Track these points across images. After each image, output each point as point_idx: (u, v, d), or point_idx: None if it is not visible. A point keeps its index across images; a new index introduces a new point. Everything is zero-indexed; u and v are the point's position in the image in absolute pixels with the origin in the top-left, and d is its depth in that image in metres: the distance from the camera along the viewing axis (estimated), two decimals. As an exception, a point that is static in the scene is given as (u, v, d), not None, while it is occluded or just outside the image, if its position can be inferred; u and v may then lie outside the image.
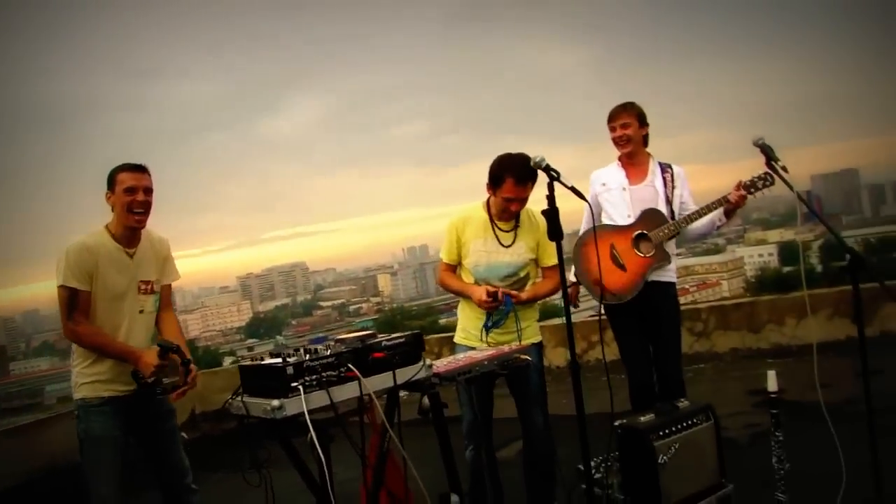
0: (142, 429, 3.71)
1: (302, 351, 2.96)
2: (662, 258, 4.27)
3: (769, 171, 3.93)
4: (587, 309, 5.29)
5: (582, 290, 4.46)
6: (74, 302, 3.48)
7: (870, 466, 3.30)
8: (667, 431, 3.44)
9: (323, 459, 2.80)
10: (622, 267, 4.24)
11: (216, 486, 4.14)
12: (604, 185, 4.46)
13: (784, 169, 3.78)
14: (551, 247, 3.84)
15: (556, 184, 3.16)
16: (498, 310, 3.93)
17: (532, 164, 3.26)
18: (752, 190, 4.11)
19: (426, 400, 3.22)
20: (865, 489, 3.30)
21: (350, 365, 2.92)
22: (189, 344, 3.84)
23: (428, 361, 3.22)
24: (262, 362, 2.91)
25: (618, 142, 4.37)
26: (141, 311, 3.68)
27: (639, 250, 4.25)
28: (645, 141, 4.44)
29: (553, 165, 3.18)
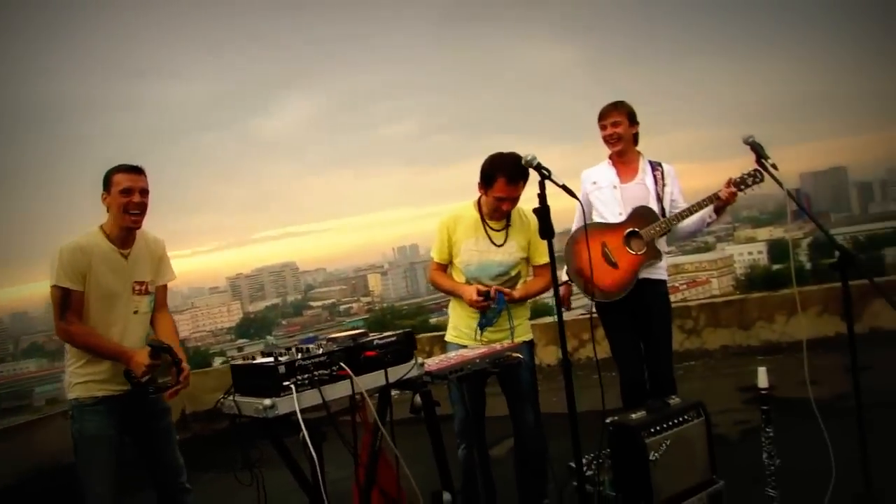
0: (136, 428, 3.71)
1: (294, 350, 2.96)
2: (654, 255, 4.28)
3: (758, 168, 3.96)
4: (578, 307, 5.31)
5: (574, 288, 4.48)
6: (67, 302, 3.48)
7: (859, 462, 3.31)
8: (658, 428, 3.44)
9: (315, 458, 2.79)
10: (614, 265, 4.25)
11: (208, 486, 4.14)
12: (594, 183, 4.47)
13: (774, 166, 3.80)
14: (543, 245, 3.85)
15: (547, 182, 3.17)
16: (490, 308, 3.94)
17: (523, 162, 3.26)
18: (742, 187, 4.13)
19: (418, 398, 3.23)
20: (855, 484, 3.32)
21: (342, 364, 2.92)
22: (180, 344, 3.83)
23: (420, 360, 3.22)
24: (254, 361, 2.91)
25: (608, 140, 4.39)
26: (136, 312, 3.67)
27: (630, 248, 4.26)
28: (635, 139, 4.45)
29: (544, 164, 3.19)
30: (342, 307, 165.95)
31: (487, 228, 4.05)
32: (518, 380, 3.97)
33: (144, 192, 3.60)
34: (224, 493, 5.19)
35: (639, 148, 4.49)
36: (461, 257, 4.06)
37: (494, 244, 4.04)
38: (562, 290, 3.91)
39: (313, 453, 2.78)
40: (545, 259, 3.99)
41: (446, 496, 3.27)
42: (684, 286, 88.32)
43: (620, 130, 4.34)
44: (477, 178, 3.97)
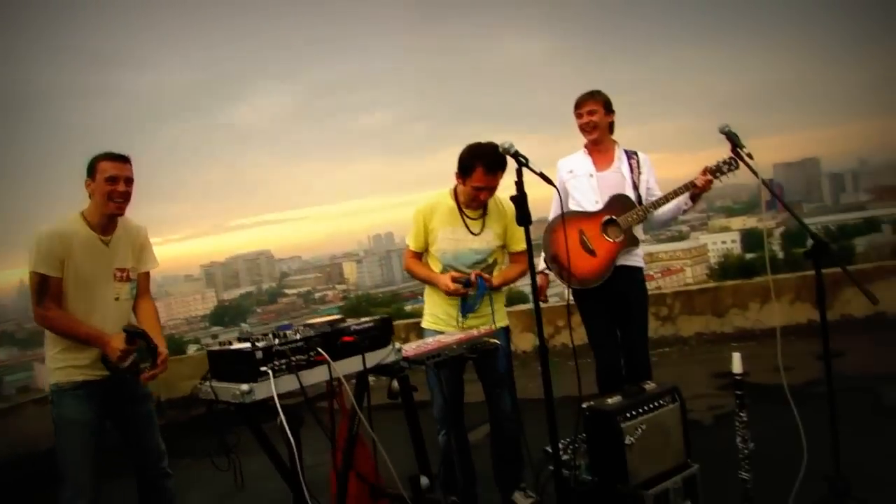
0: (117, 413, 3.71)
1: (271, 335, 2.95)
2: (631, 243, 4.31)
3: (733, 156, 3.99)
4: (552, 295, 5.33)
5: (551, 276, 4.50)
6: (45, 288, 3.47)
7: (830, 446, 3.37)
8: (633, 413, 3.47)
9: (293, 443, 2.79)
10: (592, 252, 4.27)
11: (183, 473, 4.12)
12: (570, 172, 4.49)
13: (749, 156, 3.83)
14: (519, 232, 3.87)
15: (524, 170, 3.17)
16: (470, 295, 3.95)
17: (500, 149, 3.25)
18: (718, 174, 4.16)
19: (395, 383, 3.23)
20: (825, 467, 3.37)
21: (319, 349, 2.91)
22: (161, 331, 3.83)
23: (397, 345, 3.23)
24: (231, 347, 2.89)
25: (584, 128, 4.40)
26: (116, 299, 3.66)
27: (607, 235, 4.28)
28: (611, 128, 4.47)
29: (521, 152, 3.19)
30: (317, 295, 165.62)
31: (464, 217, 4.05)
32: (495, 366, 3.99)
33: (129, 182, 3.59)
34: (200, 480, 5.20)
35: (614, 137, 4.51)
36: (437, 245, 4.07)
37: (471, 232, 4.05)
38: (538, 280, 3.93)
39: (291, 438, 2.78)
40: (522, 246, 4.01)
41: (424, 481, 3.28)
42: (659, 274, 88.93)
43: (596, 119, 4.36)
44: (453, 166, 3.97)
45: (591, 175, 4.41)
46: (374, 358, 3.10)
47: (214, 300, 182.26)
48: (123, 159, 3.58)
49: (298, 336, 2.91)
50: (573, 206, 4.44)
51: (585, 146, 4.49)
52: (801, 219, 3.87)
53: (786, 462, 3.60)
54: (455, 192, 4.08)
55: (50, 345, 3.60)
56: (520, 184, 3.16)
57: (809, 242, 3.46)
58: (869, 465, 3.86)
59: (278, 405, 2.71)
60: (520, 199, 3.16)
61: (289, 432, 2.76)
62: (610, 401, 3.55)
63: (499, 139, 3.25)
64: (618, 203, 4.32)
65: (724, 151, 4.05)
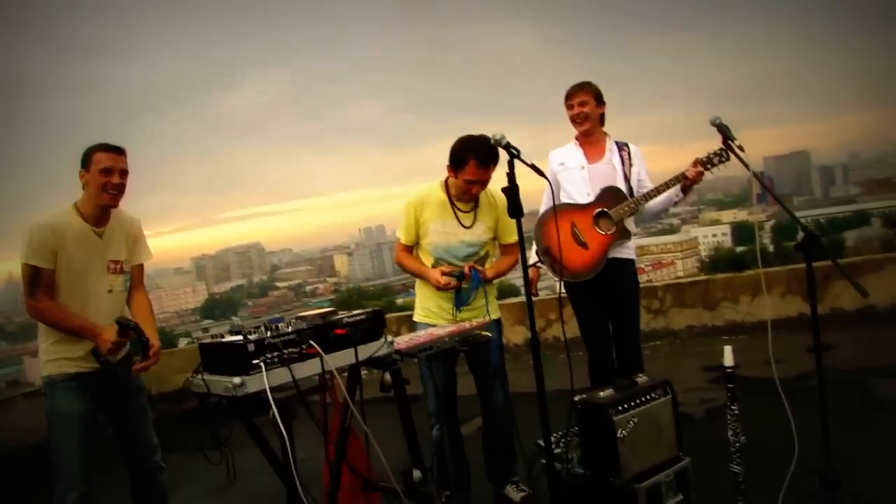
0: (110, 406, 3.71)
1: (263, 328, 2.95)
2: (623, 235, 4.31)
3: (724, 147, 3.99)
4: (543, 288, 5.34)
5: (542, 269, 4.50)
6: (37, 279, 3.46)
7: (821, 439, 3.38)
8: (626, 406, 3.47)
9: (285, 436, 2.79)
10: (584, 245, 4.27)
11: (175, 467, 4.11)
12: (562, 164, 4.48)
13: (741, 148, 3.82)
14: (511, 224, 3.87)
15: (515, 162, 3.16)
16: (463, 288, 3.95)
17: (492, 141, 3.24)
18: (709, 166, 4.16)
19: (388, 376, 3.23)
20: (816, 460, 3.38)
21: (311, 341, 2.91)
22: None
23: (389, 338, 3.22)
24: (224, 340, 2.89)
25: (575, 119, 4.40)
26: (110, 291, 3.65)
27: (599, 228, 4.28)
28: (601, 120, 4.47)
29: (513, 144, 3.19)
30: (308, 288, 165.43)
31: (455, 210, 4.04)
32: (487, 359, 3.99)
33: (124, 173, 3.58)
34: (192, 474, 5.19)
35: (605, 129, 4.51)
36: (429, 239, 4.05)
37: (462, 225, 4.04)
38: (530, 273, 3.93)
39: (283, 431, 2.78)
40: (514, 238, 4.00)
41: (416, 474, 3.28)
42: (649, 267, 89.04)
43: (587, 110, 4.35)
44: (444, 158, 3.96)
45: (583, 167, 4.41)
46: (366, 351, 3.10)
47: (205, 293, 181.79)
48: (119, 151, 3.57)
49: (290, 329, 2.91)
50: (564, 199, 4.43)
51: (576, 138, 4.49)
52: (792, 211, 3.88)
53: (777, 455, 3.61)
54: (446, 185, 4.07)
55: (43, 337, 3.59)
56: (511, 175, 3.15)
57: (800, 235, 3.46)
58: (859, 458, 3.87)
59: (271, 398, 2.70)
60: (512, 191, 3.16)
61: (281, 425, 2.76)
62: (602, 394, 3.55)
63: (490, 131, 3.25)
64: (609, 195, 4.32)
65: (715, 144, 4.05)
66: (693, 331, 8.13)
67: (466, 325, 3.72)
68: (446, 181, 4.06)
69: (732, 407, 3.50)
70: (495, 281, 4.21)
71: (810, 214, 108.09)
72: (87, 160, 3.53)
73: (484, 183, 3.92)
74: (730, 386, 3.50)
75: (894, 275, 7.52)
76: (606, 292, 4.34)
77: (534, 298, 3.64)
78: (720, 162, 4.12)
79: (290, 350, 2.84)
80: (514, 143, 3.16)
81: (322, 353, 2.89)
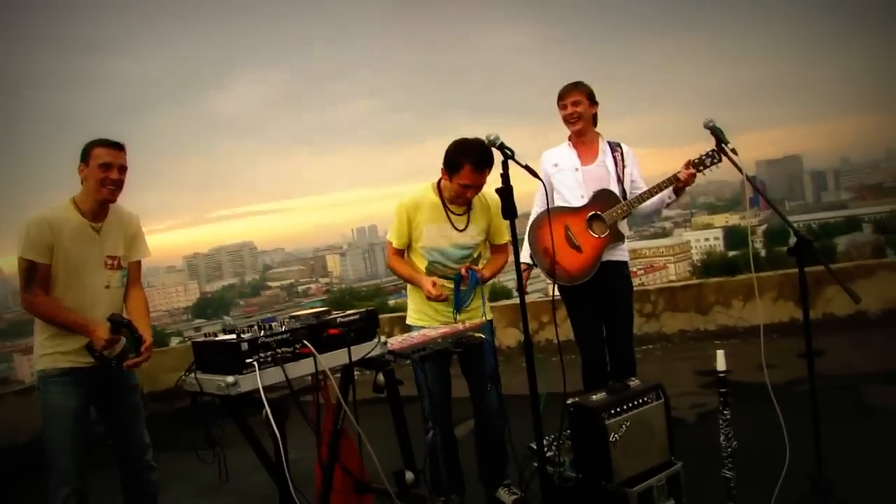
0: (103, 402, 3.72)
1: (256, 327, 2.94)
2: (617, 238, 4.32)
3: (716, 149, 4.00)
4: (535, 291, 5.33)
5: (534, 272, 4.50)
6: (33, 274, 3.47)
7: (812, 444, 3.38)
8: (618, 410, 3.47)
9: (278, 436, 2.78)
10: (577, 248, 4.27)
11: (165, 466, 4.10)
12: (556, 165, 4.48)
13: (734, 151, 3.83)
14: (503, 225, 3.90)
15: (509, 164, 3.16)
16: (462, 290, 3.95)
17: (486, 141, 3.23)
18: (701, 167, 4.16)
19: (381, 377, 3.23)
20: (808, 466, 3.38)
21: (305, 341, 2.91)
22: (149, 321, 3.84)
23: (382, 339, 3.22)
24: (217, 338, 2.88)
25: (568, 119, 4.39)
26: (107, 287, 3.65)
27: (593, 231, 4.29)
28: (594, 120, 4.47)
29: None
30: (300, 288, 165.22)
31: (448, 213, 4.03)
32: (481, 361, 3.98)
33: (123, 169, 3.59)
34: (184, 473, 5.17)
35: (598, 130, 4.51)
36: (423, 242, 4.03)
37: (456, 228, 4.03)
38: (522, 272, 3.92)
39: (276, 431, 2.77)
40: (505, 239, 4.03)
41: (409, 475, 3.28)
42: (642, 271, 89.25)
43: (581, 110, 4.35)
44: (439, 158, 3.94)
45: (577, 169, 4.40)
46: (359, 351, 3.10)
47: (197, 292, 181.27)
48: (118, 146, 3.59)
49: (284, 328, 2.91)
50: (558, 201, 4.43)
51: (569, 138, 4.48)
52: (785, 215, 3.89)
53: (768, 460, 3.62)
54: (439, 187, 4.04)
55: (38, 332, 3.60)
56: (505, 176, 3.14)
57: (792, 240, 3.46)
58: (851, 464, 3.88)
59: (264, 398, 2.70)
60: (506, 192, 3.15)
61: (274, 425, 2.75)
62: (594, 397, 3.56)
63: (488, 131, 3.25)
64: (602, 198, 4.32)
65: (707, 146, 4.07)
66: (685, 335, 8.13)
67: (460, 326, 3.71)
68: (438, 183, 4.04)
69: (724, 412, 3.51)
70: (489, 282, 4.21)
71: (802, 219, 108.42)
72: (86, 155, 3.55)
73: (478, 187, 3.90)
74: (722, 390, 3.51)
75: (886, 281, 7.54)
76: (601, 294, 4.35)
77: (526, 300, 3.64)
78: (712, 163, 4.13)
79: (283, 349, 2.84)
80: (512, 144, 3.15)
81: (316, 352, 2.89)
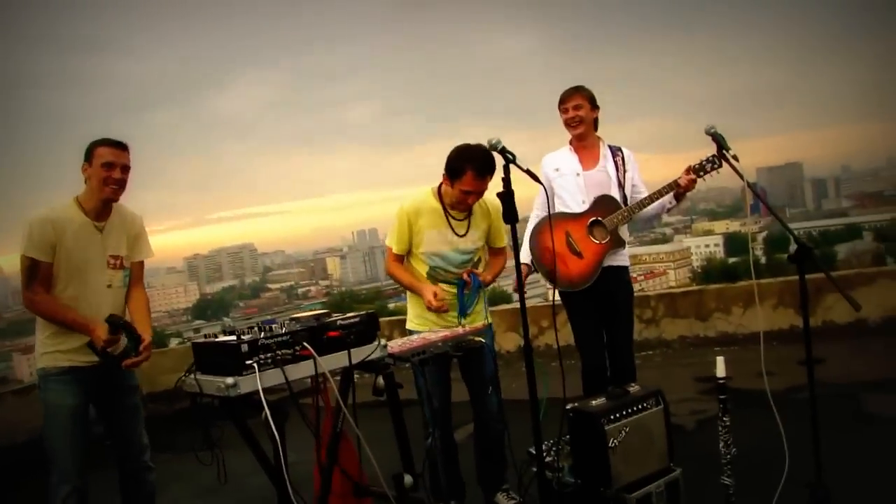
0: (103, 402, 3.73)
1: (257, 328, 2.94)
2: (617, 244, 4.32)
3: (716, 154, 4.00)
4: (535, 296, 5.34)
5: (532, 275, 4.50)
6: (34, 272, 3.49)
7: (811, 452, 3.38)
8: (617, 415, 3.47)
9: (277, 438, 2.78)
10: (579, 254, 4.27)
11: (163, 467, 4.10)
12: (557, 170, 4.47)
13: (735, 158, 3.83)
14: (502, 228, 3.92)
15: (510, 167, 3.15)
16: (466, 294, 3.95)
17: (488, 145, 3.23)
18: (701, 173, 4.17)
19: (381, 380, 3.22)
20: (807, 474, 3.37)
21: (305, 343, 2.90)
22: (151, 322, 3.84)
23: (382, 342, 3.22)
24: (217, 339, 2.88)
25: (570, 123, 4.38)
26: (109, 286, 3.66)
27: (594, 237, 4.29)
28: (595, 124, 4.46)
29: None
30: (300, 290, 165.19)
31: (449, 218, 4.01)
32: (482, 365, 3.97)
33: (126, 169, 3.62)
34: (181, 474, 5.17)
35: (598, 134, 4.51)
36: (424, 248, 4.01)
37: (457, 234, 4.02)
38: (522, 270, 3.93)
39: (275, 433, 2.77)
40: (505, 242, 4.04)
41: (408, 479, 3.27)
42: (642, 277, 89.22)
43: (582, 113, 4.35)
44: (439, 162, 3.92)
45: (578, 174, 4.40)
46: (359, 354, 3.09)
47: (197, 293, 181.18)
48: (121, 146, 3.61)
49: (284, 330, 2.91)
50: (559, 205, 4.43)
51: (571, 142, 4.48)
52: (786, 223, 3.89)
53: (767, 468, 3.62)
54: (439, 193, 4.02)
55: (39, 330, 3.62)
56: (507, 181, 3.14)
57: (793, 247, 3.46)
58: (850, 472, 3.88)
59: (263, 399, 2.69)
60: (507, 197, 3.15)
61: (273, 427, 2.75)
62: (594, 402, 3.56)
63: (489, 134, 3.24)
64: (603, 204, 4.32)
65: (709, 152, 4.08)
66: (685, 341, 8.12)
67: (460, 330, 3.71)
68: (439, 188, 4.01)
69: (724, 418, 3.51)
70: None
71: (802, 227, 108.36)
72: (89, 154, 3.57)
73: (480, 193, 3.87)
74: (721, 397, 3.51)
75: (886, 289, 7.54)
76: (602, 299, 4.35)
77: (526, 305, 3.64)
78: (712, 169, 4.14)
79: (283, 351, 2.83)
80: (513, 147, 3.14)
81: (316, 355, 2.89)
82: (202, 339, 2.96)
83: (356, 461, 3.35)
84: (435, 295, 3.85)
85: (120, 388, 3.73)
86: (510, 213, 3.17)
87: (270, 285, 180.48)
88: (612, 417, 3.46)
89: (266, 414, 2.71)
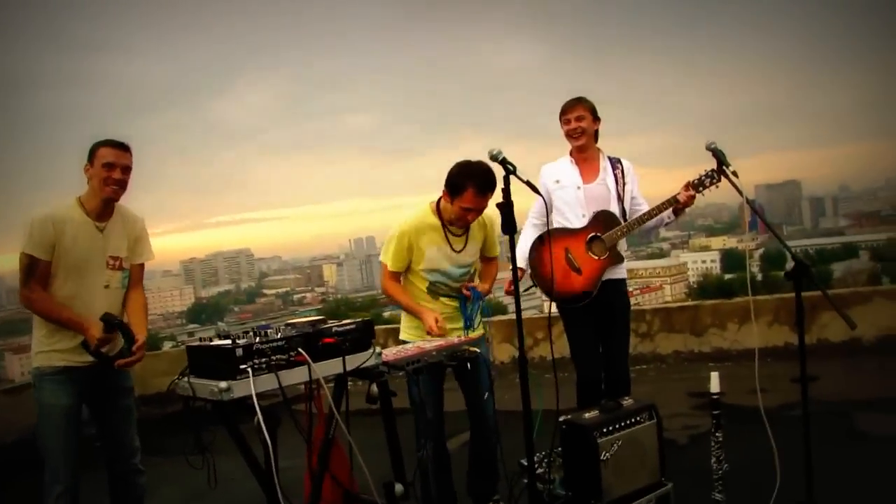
0: (97, 402, 3.74)
1: (251, 333, 2.94)
2: (616, 259, 4.32)
3: (715, 169, 4.01)
4: (530, 308, 5.34)
5: (536, 290, 4.50)
6: (33, 270, 3.50)
7: (803, 470, 3.38)
8: (610, 429, 3.47)
9: (269, 443, 2.77)
10: (578, 270, 4.27)
11: (154, 470, 4.08)
12: (557, 182, 4.45)
13: (734, 174, 3.83)
14: (496, 238, 3.94)
15: (510, 178, 3.15)
16: (468, 306, 3.98)
17: (489, 156, 3.23)
18: (700, 188, 4.17)
19: (374, 388, 3.22)
20: (798, 492, 3.38)
21: (300, 349, 2.90)
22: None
23: (377, 349, 3.21)
24: (211, 343, 2.87)
25: (571, 134, 4.37)
26: (107, 286, 3.67)
27: (593, 252, 4.28)
28: (596, 136, 4.46)
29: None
30: (296, 296, 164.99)
31: (448, 234, 4.00)
32: (478, 375, 3.96)
33: (127, 170, 3.64)
34: (171, 478, 5.14)
35: (598, 147, 4.51)
36: (424, 265, 3.99)
37: (454, 250, 4.02)
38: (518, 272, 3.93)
39: (267, 438, 2.76)
40: (497, 251, 4.06)
41: (398, 487, 3.26)
42: (638, 291, 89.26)
43: (584, 125, 4.34)
44: (437, 171, 3.92)
45: (579, 187, 4.38)
46: (354, 361, 3.09)
47: (192, 297, 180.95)
48: (123, 147, 3.64)
49: (279, 335, 2.90)
50: (558, 218, 4.42)
51: (571, 154, 4.47)
52: (783, 239, 3.90)
53: (759, 484, 3.61)
54: (438, 208, 3.99)
55: (36, 328, 3.63)
56: (507, 192, 3.14)
57: (790, 264, 3.46)
58: (841, 490, 3.87)
59: (256, 404, 2.69)
60: (506, 208, 3.15)
61: (266, 432, 2.74)
62: (587, 415, 3.55)
63: (488, 145, 3.24)
64: (602, 219, 4.32)
65: (708, 168, 4.08)
66: (680, 356, 8.12)
67: (455, 339, 3.70)
68: (438, 204, 3.99)
69: (717, 434, 3.51)
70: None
71: (799, 244, 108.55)
72: (91, 155, 3.60)
73: (480, 211, 3.86)
74: (715, 413, 3.51)
75: (881, 308, 7.55)
76: (600, 310, 4.34)
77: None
78: (711, 183, 4.14)
79: (277, 357, 2.83)
80: (511, 158, 3.15)
81: (310, 361, 2.88)
82: (197, 343, 2.95)
83: (347, 468, 3.34)
84: (436, 321, 3.83)
85: (114, 390, 3.74)
86: (509, 223, 3.17)
87: (266, 291, 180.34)
88: (604, 430, 3.45)
89: (258, 419, 2.71)
